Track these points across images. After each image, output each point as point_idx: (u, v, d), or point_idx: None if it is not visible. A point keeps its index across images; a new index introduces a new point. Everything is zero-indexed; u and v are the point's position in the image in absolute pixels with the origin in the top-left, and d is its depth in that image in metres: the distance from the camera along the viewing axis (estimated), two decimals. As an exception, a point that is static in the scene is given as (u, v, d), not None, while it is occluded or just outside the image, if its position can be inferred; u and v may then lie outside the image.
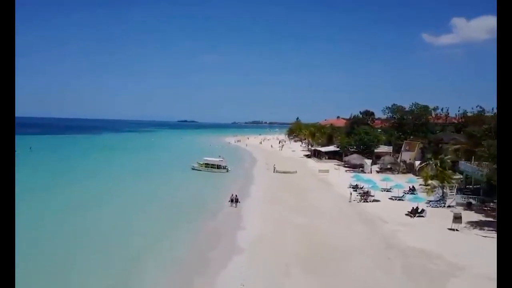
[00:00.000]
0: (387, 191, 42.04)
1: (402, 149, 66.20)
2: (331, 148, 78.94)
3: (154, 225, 28.87)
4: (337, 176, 54.53)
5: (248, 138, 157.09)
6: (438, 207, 35.50)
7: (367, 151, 67.25)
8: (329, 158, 75.59)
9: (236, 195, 34.86)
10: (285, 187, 45.77)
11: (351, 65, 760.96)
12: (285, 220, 30.49)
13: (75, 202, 36.77)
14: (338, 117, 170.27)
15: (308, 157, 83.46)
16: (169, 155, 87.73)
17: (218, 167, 61.11)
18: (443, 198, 36.77)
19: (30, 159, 66.03)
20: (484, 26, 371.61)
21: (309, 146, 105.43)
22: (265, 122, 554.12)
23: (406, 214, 32.30)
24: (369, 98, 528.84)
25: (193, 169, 61.76)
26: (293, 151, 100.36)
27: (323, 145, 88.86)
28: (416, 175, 53.95)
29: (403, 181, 45.54)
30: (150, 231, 27.35)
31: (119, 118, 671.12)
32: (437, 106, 74.07)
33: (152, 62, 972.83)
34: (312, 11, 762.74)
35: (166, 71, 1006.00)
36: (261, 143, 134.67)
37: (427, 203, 35.67)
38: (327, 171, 57.76)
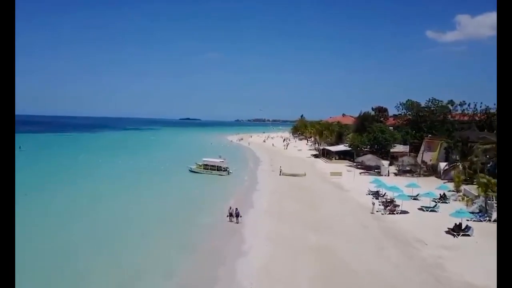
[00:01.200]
0: (414, 199, 35.88)
1: (422, 148, 59.98)
2: (342, 147, 72.75)
3: (130, 252, 22.85)
4: (352, 179, 48.37)
5: (251, 136, 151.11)
6: (481, 221, 29.34)
7: (382, 151, 61.08)
8: (339, 158, 69.46)
9: (236, 209, 28.67)
10: (294, 194, 39.71)
11: (353, 63, 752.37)
12: (296, 240, 24.44)
13: (53, 209, 31.57)
14: (343, 114, 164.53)
15: (316, 157, 77.30)
16: (167, 155, 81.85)
17: (219, 169, 55.17)
18: (486, 210, 30.62)
19: (17, 159, 60.36)
20: (488, 23, 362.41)
21: (316, 145, 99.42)
22: (268, 120, 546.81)
23: (446, 232, 26.21)
24: (372, 95, 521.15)
25: (190, 171, 55.91)
26: (299, 150, 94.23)
27: (331, 144, 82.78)
28: (442, 179, 47.88)
29: (433, 187, 39.27)
30: (118, 266, 21.25)
31: (121, 116, 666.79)
32: (464, 101, 67.28)
33: (155, 60, 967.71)
34: (314, 9, 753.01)
35: (168, 69, 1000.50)
36: (264, 141, 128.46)
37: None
38: (339, 173, 51.65)
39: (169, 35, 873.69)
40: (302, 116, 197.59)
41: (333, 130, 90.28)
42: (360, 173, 54.11)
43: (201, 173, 54.85)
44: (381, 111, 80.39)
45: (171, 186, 43.94)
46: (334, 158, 69.54)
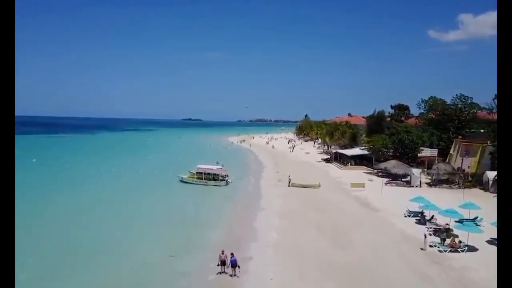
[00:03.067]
0: (475, 223, 26.46)
1: (454, 152, 50.64)
2: (358, 151, 63.33)
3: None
4: (378, 192, 39.06)
5: (253, 138, 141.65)
6: None
7: (410, 155, 51.70)
8: (355, 164, 60.11)
9: (232, 255, 18.86)
10: (311, 217, 30.29)
11: (356, 62, 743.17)
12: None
13: None
14: (349, 114, 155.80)
15: (328, 162, 67.95)
16: (160, 159, 72.90)
17: (215, 178, 46.01)
18: None
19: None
20: (490, 22, 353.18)
21: (325, 147, 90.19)
22: (270, 120, 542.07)
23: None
24: (375, 95, 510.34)
25: (181, 181, 46.75)
26: (307, 153, 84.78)
27: (344, 147, 73.38)
28: (491, 192, 38.53)
29: (490, 206, 29.90)
30: None
31: (122, 117, 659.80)
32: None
33: (157, 60, 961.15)
34: (317, 8, 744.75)
35: (170, 69, 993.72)
36: (267, 143, 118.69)
37: None
38: (362, 185, 42.32)
39: (174, 32, 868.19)
40: (306, 116, 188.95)
41: (345, 131, 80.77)
42: (386, 183, 44.70)
43: (194, 183, 45.76)
44: (402, 109, 70.85)
45: (150, 205, 34.43)
46: (349, 164, 60.12)
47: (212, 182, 45.43)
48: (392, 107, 71.93)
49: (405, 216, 30.06)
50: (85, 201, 35.18)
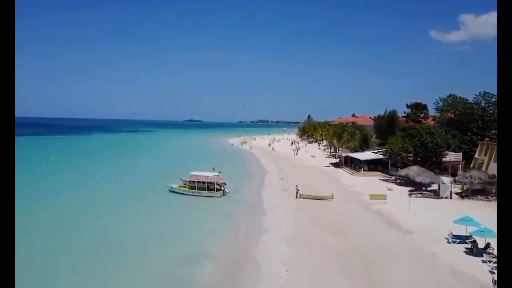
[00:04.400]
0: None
1: (486, 156, 44.10)
2: (370, 154, 56.84)
3: None
4: (403, 205, 32.51)
5: (254, 139, 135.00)
6: None
7: (434, 160, 45.12)
8: (369, 169, 53.60)
9: None
10: (328, 243, 23.65)
11: (357, 64, 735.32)
12: None
13: None
14: (353, 114, 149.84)
15: (337, 167, 61.46)
16: (152, 163, 66.62)
17: (210, 188, 39.66)
18: None
19: None
20: (492, 22, 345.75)
21: (331, 150, 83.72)
22: (272, 121, 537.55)
23: None
24: (376, 96, 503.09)
25: (171, 191, 40.38)
26: (313, 156, 78.27)
27: (353, 150, 66.87)
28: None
29: None
30: None
31: (122, 117, 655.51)
32: None
33: (158, 61, 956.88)
34: (317, 8, 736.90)
35: (171, 70, 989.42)
36: (269, 145, 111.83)
37: None
38: (383, 197, 35.71)
39: (174, 33, 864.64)
40: (309, 116, 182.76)
41: (354, 132, 74.09)
42: (409, 193, 38.19)
43: (185, 194, 39.44)
44: (419, 108, 64.22)
45: (124, 228, 27.73)
46: (362, 169, 53.57)
47: (207, 193, 39.09)
48: (408, 106, 65.33)
49: (448, 242, 23.57)
50: (42, 221, 28.53)
